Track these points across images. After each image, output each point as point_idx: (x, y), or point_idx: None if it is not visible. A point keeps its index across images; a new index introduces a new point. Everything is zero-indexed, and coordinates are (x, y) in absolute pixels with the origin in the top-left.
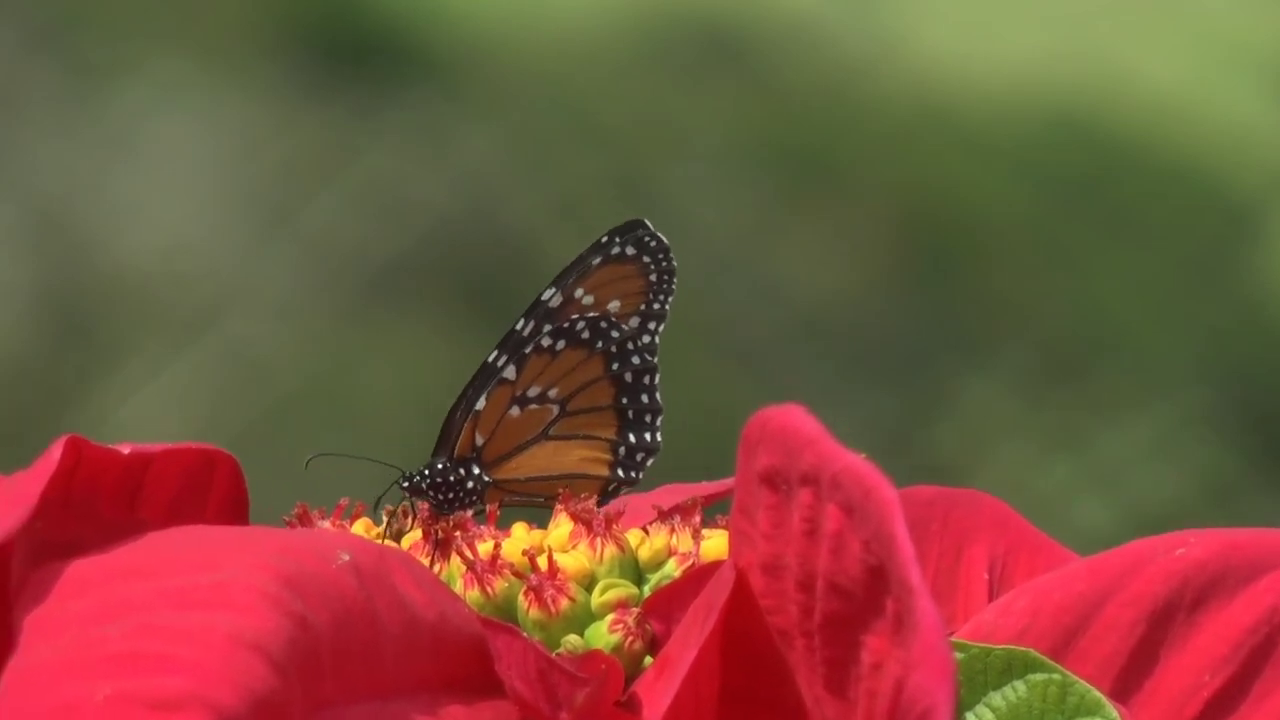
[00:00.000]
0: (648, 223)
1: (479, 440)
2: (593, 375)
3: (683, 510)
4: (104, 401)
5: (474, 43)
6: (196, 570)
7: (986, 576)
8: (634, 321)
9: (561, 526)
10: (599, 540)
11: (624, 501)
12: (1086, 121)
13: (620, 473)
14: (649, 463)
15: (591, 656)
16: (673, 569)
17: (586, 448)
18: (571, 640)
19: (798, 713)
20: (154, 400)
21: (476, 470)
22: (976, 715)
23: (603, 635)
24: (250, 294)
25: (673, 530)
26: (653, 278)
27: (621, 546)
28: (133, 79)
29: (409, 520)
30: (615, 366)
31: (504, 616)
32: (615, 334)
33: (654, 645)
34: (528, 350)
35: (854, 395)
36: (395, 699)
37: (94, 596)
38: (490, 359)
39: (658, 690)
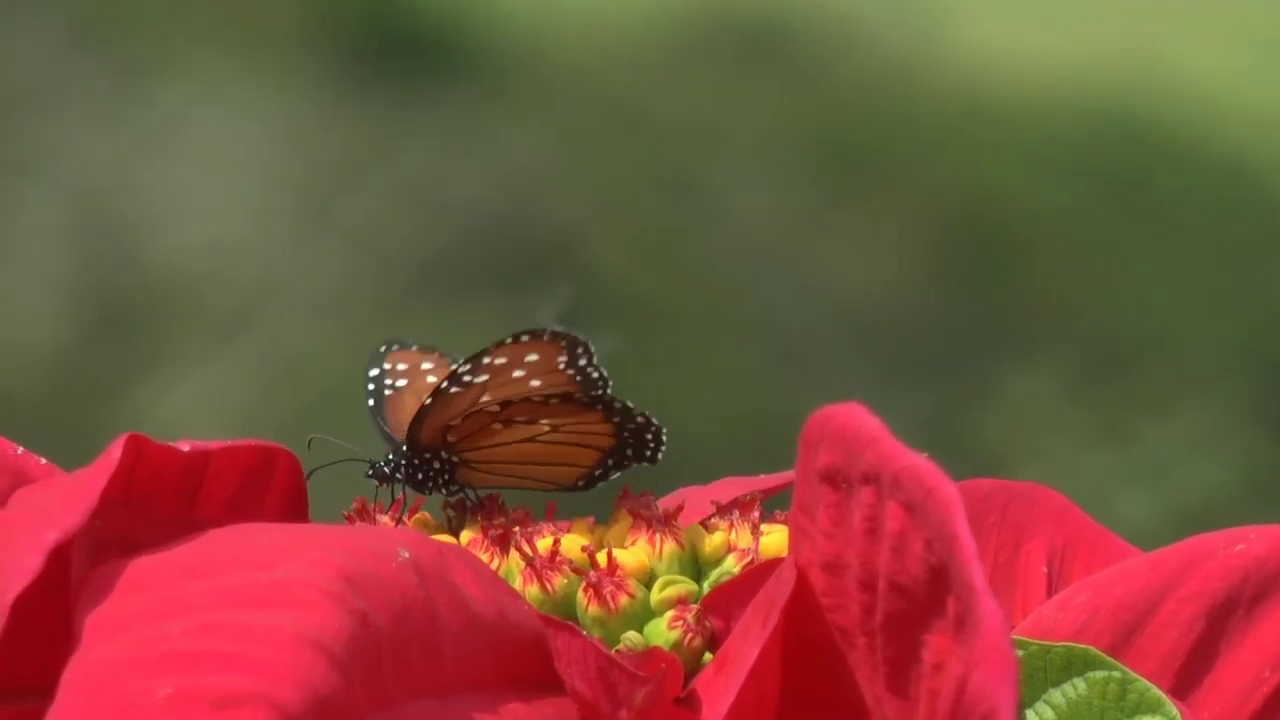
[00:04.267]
0: (557, 329)
1: (450, 439)
2: (591, 421)
3: (741, 505)
4: (146, 396)
5: (517, 39)
6: (257, 568)
7: (1045, 570)
8: (568, 371)
9: (621, 522)
10: (658, 536)
11: (683, 495)
12: (1130, 117)
13: (610, 461)
14: (643, 458)
15: (651, 654)
16: (732, 565)
17: (574, 450)
18: (631, 637)
19: (859, 712)
20: (195, 395)
21: (444, 453)
22: (1036, 713)
23: (662, 632)
24: (292, 289)
25: (731, 526)
26: (563, 344)
27: (680, 542)
28: (176, 75)
29: (466, 514)
30: (616, 421)
31: (563, 612)
32: (616, 404)
33: (713, 642)
34: (516, 399)
35: (897, 391)
36: (455, 696)
37: (155, 594)
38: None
39: (718, 688)
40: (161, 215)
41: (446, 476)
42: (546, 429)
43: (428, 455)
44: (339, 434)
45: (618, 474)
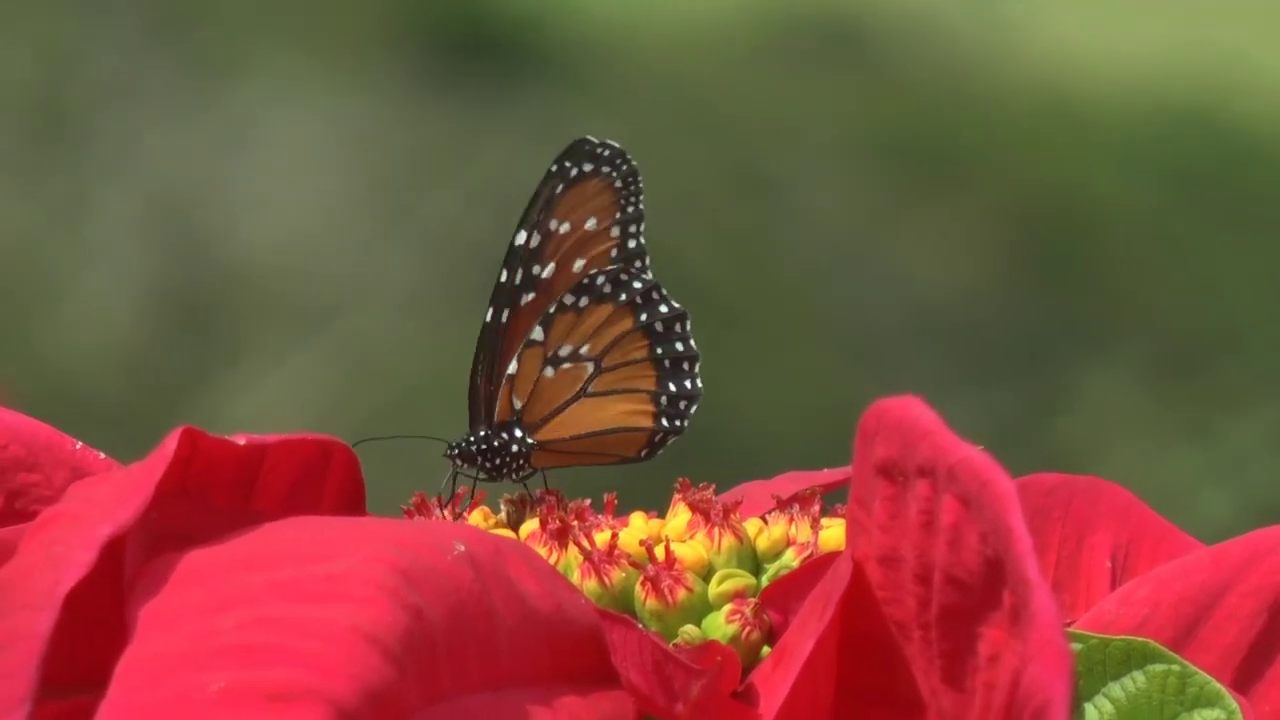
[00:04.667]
0: (591, 138)
1: (517, 404)
2: (623, 329)
3: (801, 499)
4: (223, 394)
5: (594, 37)
6: (312, 562)
7: (1109, 564)
8: (614, 231)
9: (679, 516)
10: (716, 530)
11: (743, 490)
12: (1209, 115)
13: (665, 423)
14: (693, 410)
15: (708, 647)
16: (791, 559)
17: (627, 401)
18: (689, 630)
19: (915, 704)
20: (273, 393)
21: (519, 433)
22: (1096, 706)
23: (720, 625)
24: (370, 288)
25: (791, 520)
26: (618, 184)
27: (739, 536)
28: (254, 73)
29: (525, 507)
30: (644, 317)
31: (621, 606)
32: (637, 285)
33: (772, 636)
34: (552, 310)
35: (974, 389)
36: (510, 690)
37: (209, 587)
38: (487, 319)
39: (775, 681)
40: (240, 214)
41: (522, 461)
42: (591, 370)
43: (506, 436)
44: (417, 432)
45: (675, 433)
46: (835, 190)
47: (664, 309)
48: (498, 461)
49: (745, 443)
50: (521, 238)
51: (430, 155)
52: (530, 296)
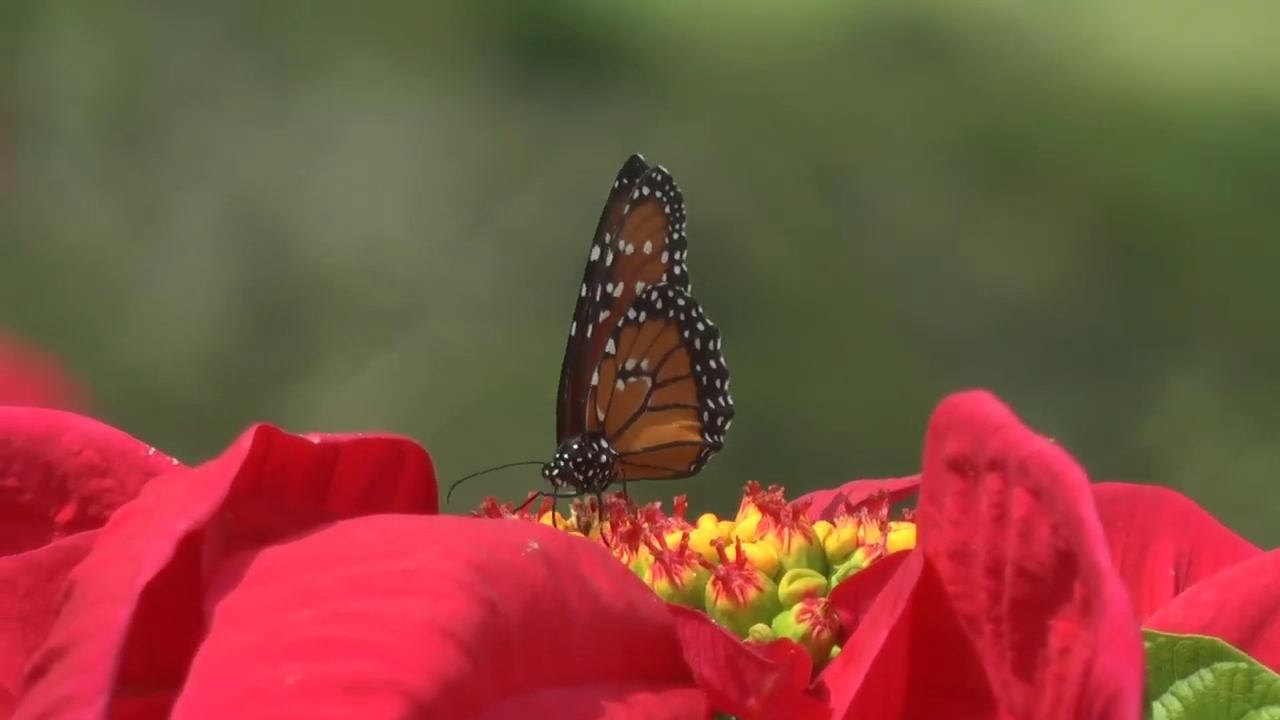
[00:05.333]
0: (640, 156)
1: (600, 415)
2: (671, 345)
3: (870, 504)
4: (303, 398)
5: (675, 40)
6: (387, 557)
7: (1172, 572)
8: (663, 257)
9: (749, 517)
10: (786, 531)
11: (810, 497)
12: None
13: (709, 438)
14: (728, 427)
15: (780, 644)
16: (860, 560)
17: (680, 416)
18: (759, 630)
19: (986, 699)
20: (354, 396)
21: (605, 444)
22: (1164, 704)
23: (790, 625)
24: (451, 291)
25: (860, 523)
26: (668, 209)
27: (809, 537)
28: (334, 75)
29: (595, 512)
30: (687, 334)
31: (692, 607)
32: (681, 301)
33: (842, 635)
34: (620, 324)
35: (1052, 391)
36: (584, 686)
37: (285, 583)
38: (572, 333)
39: (846, 678)
40: (320, 217)
41: (607, 472)
42: (650, 384)
43: (596, 448)
44: (497, 437)
45: (717, 448)
46: (914, 192)
47: (701, 326)
48: (590, 474)
49: (823, 443)
50: (596, 254)
51: (510, 158)
52: (605, 314)
